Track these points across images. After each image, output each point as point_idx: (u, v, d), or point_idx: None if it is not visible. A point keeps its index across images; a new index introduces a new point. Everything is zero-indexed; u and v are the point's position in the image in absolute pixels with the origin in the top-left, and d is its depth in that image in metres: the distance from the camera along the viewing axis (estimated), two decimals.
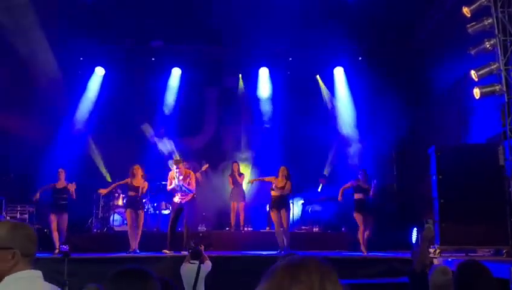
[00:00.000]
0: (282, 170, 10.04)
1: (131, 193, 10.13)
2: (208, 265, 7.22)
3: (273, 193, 10.06)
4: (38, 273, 2.17)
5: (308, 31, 12.14)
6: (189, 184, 10.03)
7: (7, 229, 2.15)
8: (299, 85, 13.47)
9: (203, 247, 7.51)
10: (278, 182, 10.02)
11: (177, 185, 9.98)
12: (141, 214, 10.02)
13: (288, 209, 10.05)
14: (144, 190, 10.16)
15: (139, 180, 10.11)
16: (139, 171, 10.15)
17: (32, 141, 11.71)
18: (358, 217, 9.91)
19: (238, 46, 13.10)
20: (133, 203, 10.04)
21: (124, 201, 11.25)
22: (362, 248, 9.82)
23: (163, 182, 11.20)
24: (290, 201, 10.90)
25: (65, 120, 12.85)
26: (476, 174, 8.24)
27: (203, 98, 14.05)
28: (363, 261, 8.98)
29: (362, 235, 9.90)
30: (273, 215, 9.99)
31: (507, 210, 8.04)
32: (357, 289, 7.17)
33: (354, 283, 7.50)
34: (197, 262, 7.06)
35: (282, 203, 9.94)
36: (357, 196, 10.03)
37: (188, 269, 7.04)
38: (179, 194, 10.04)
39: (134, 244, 9.78)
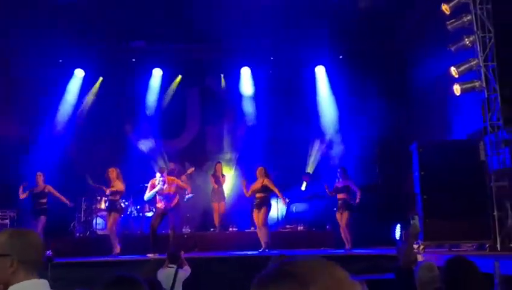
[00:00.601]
0: (259, 171, 10.13)
1: (109, 197, 10.24)
2: (186, 270, 7.02)
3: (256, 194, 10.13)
4: (44, 282, 2.14)
5: (290, 30, 12.18)
6: (177, 186, 10.00)
7: (6, 237, 2.14)
8: (281, 84, 13.46)
9: (182, 252, 7.33)
10: (256, 183, 10.09)
11: (160, 194, 9.90)
12: (112, 216, 9.98)
13: (266, 208, 10.02)
14: (114, 189, 10.04)
15: (114, 183, 10.09)
16: (113, 174, 10.13)
17: (12, 143, 11.54)
18: (337, 215, 10.10)
19: (220, 45, 13.03)
20: (108, 206, 10.23)
21: (106, 204, 11.15)
22: (346, 244, 9.91)
23: (146, 184, 11.08)
24: (275, 200, 10.92)
25: (45, 122, 12.66)
26: (458, 170, 8.32)
27: (185, 98, 13.96)
28: (349, 258, 8.98)
29: (343, 232, 9.99)
30: (254, 215, 10.09)
31: (489, 205, 8.14)
32: None
33: None
34: (175, 266, 6.84)
35: (263, 203, 9.98)
36: (338, 195, 10.12)
37: (165, 274, 6.81)
38: (163, 201, 9.93)
39: (115, 248, 9.75)
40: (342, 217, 9.95)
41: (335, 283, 1.03)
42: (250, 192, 10.15)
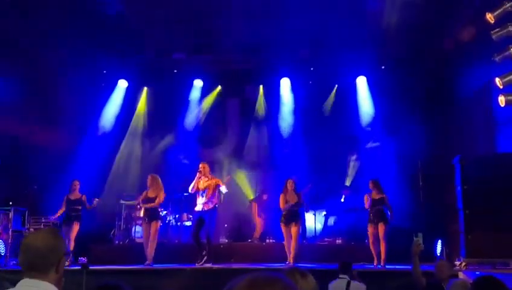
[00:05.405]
0: (291, 184, 9.89)
1: (146, 205, 9.94)
2: (361, 286, 5.94)
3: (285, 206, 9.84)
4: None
5: (330, 40, 12.01)
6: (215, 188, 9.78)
7: None
8: (321, 95, 13.34)
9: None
10: (288, 196, 9.84)
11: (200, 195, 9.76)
12: (154, 225, 9.72)
13: (299, 223, 9.86)
14: (160, 200, 9.90)
15: (154, 191, 9.91)
16: (153, 181, 9.95)
17: (56, 152, 11.80)
18: (370, 228, 9.67)
19: (259, 56, 13.01)
20: (148, 215, 9.89)
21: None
22: (375, 259, 9.58)
23: (185, 194, 11.12)
24: (312, 212, 10.74)
25: (88, 132, 12.96)
26: (502, 184, 8.00)
27: (224, 109, 14.03)
28: (386, 274, 8.71)
29: (373, 246, 9.63)
30: (284, 229, 9.80)
31: None
32: None
33: None
34: (347, 277, 5.88)
35: (294, 217, 9.77)
36: (374, 207, 9.80)
37: (336, 285, 5.85)
38: (201, 202, 9.67)
39: (149, 256, 9.62)
40: (379, 229, 9.52)
41: None
42: (284, 205, 9.87)
